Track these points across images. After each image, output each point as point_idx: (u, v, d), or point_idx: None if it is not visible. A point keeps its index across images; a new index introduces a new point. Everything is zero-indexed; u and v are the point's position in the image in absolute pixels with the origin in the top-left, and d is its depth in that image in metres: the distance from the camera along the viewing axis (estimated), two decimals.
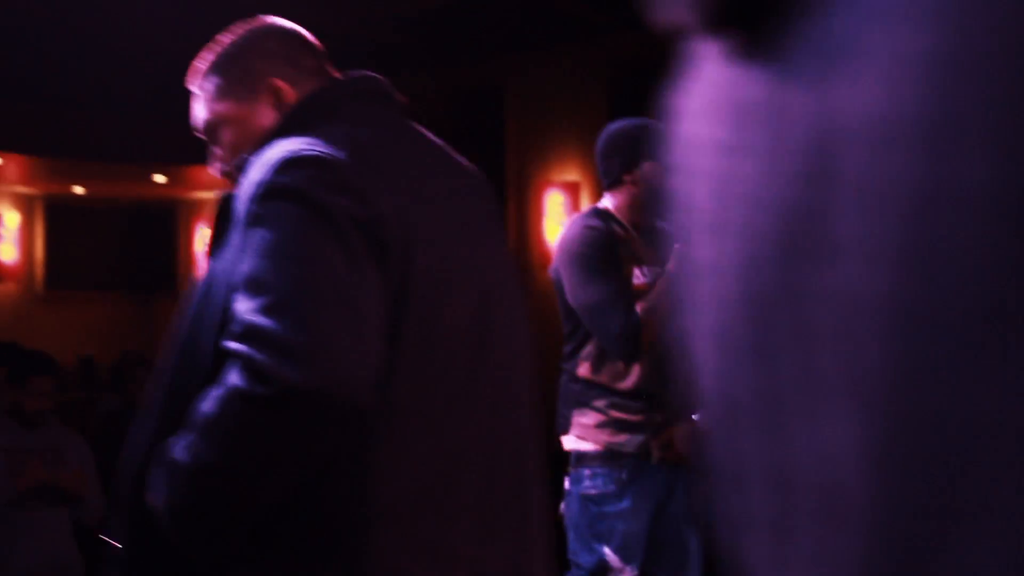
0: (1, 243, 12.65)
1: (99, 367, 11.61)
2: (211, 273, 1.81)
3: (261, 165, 1.74)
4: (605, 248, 3.72)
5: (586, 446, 3.72)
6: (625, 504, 3.69)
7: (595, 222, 3.78)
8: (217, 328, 1.71)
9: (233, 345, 1.61)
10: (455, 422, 1.77)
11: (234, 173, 1.91)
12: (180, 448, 1.65)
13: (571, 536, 3.76)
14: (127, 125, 11.46)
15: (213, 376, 1.66)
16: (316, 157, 1.72)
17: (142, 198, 13.51)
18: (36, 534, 4.76)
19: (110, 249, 13.54)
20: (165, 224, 13.76)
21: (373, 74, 2.01)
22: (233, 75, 2.06)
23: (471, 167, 2.02)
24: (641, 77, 9.18)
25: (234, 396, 1.59)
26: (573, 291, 3.68)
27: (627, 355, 3.68)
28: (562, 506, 3.80)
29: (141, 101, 10.79)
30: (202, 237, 13.71)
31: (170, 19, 8.32)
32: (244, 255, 1.68)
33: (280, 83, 2.01)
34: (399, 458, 1.71)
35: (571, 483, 3.76)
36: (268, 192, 1.70)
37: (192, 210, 13.80)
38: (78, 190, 13.27)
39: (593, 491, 3.68)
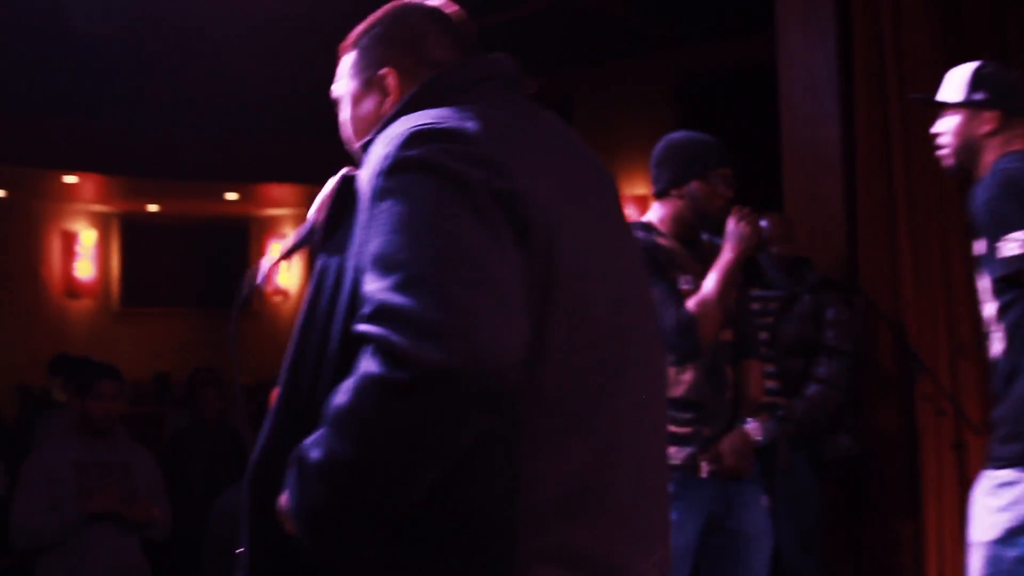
0: (78, 260, 12.87)
1: (173, 383, 11.75)
2: (329, 260, 1.69)
3: (386, 140, 1.63)
4: (648, 256, 3.66)
5: None
6: (672, 517, 3.60)
7: (638, 234, 3.73)
8: (347, 316, 1.59)
9: (364, 328, 1.47)
10: (604, 419, 1.65)
11: (357, 154, 1.84)
12: (311, 446, 1.51)
13: None
14: (200, 144, 11.60)
15: (344, 367, 1.53)
16: (448, 129, 1.62)
17: (215, 215, 13.67)
18: (104, 545, 4.80)
19: (184, 266, 13.71)
20: (238, 241, 13.90)
21: (503, 56, 1.90)
22: (359, 55, 1.98)
23: (597, 158, 1.90)
24: (709, 89, 9.13)
25: (370, 383, 1.44)
26: None
27: (684, 350, 3.61)
28: None
29: (214, 120, 10.93)
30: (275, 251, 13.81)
31: (242, 41, 8.41)
32: (371, 233, 1.55)
33: (391, 72, 1.91)
34: (549, 457, 1.58)
35: None
36: (396, 165, 1.58)
37: (264, 227, 13.94)
38: (152, 208, 13.46)
39: None
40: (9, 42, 8.04)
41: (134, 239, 13.48)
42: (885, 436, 4.89)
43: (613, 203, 1.87)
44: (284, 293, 13.84)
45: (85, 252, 12.95)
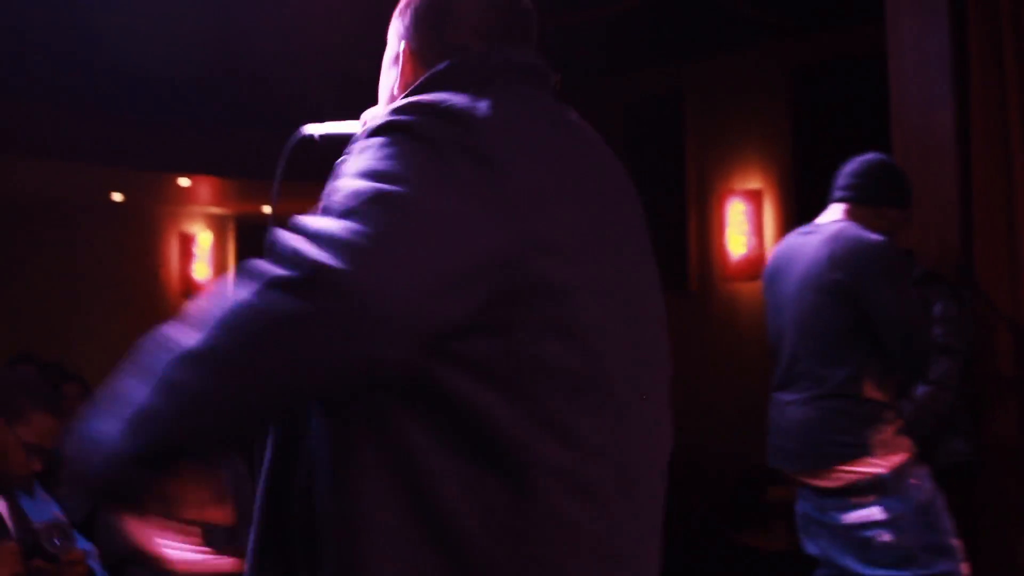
0: (195, 262, 13.02)
1: None
2: None
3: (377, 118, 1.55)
4: (904, 263, 3.73)
5: (898, 459, 3.62)
6: (940, 500, 3.65)
7: (871, 236, 3.67)
8: None
9: (274, 235, 1.43)
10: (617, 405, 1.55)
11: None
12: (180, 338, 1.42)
13: (922, 547, 3.58)
14: (310, 146, 11.66)
15: None
16: (451, 108, 1.50)
17: None
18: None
19: None
20: None
21: (530, 50, 1.77)
22: (398, 21, 1.83)
23: (621, 167, 1.75)
24: (823, 82, 8.86)
25: (251, 278, 1.38)
26: (891, 305, 3.56)
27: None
28: (886, 535, 3.59)
29: (324, 122, 10.98)
30: None
31: (348, 42, 8.40)
32: (331, 190, 1.49)
33: (406, 50, 1.78)
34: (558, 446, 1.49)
35: (896, 502, 3.59)
36: (380, 127, 1.50)
37: None
38: (266, 209, 13.56)
39: (923, 495, 3.60)
40: (125, 50, 8.15)
41: (249, 240, 13.62)
42: (1002, 441, 4.64)
43: (630, 214, 1.72)
44: None
45: (202, 254, 13.11)
